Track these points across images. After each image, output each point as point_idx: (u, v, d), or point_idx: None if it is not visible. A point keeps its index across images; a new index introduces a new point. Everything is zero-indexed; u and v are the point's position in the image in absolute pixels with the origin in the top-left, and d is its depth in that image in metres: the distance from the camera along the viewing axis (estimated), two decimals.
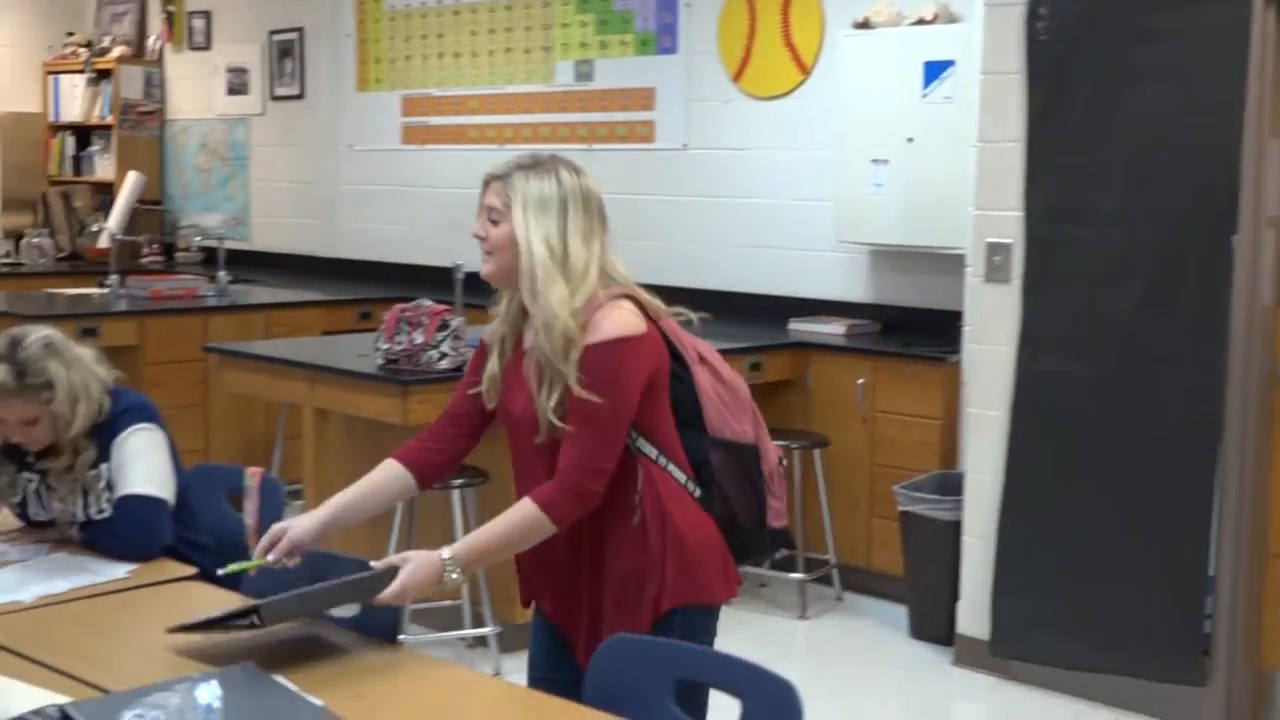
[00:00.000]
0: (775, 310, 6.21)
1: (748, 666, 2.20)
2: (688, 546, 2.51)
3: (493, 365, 2.64)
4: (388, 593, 2.37)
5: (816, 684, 4.49)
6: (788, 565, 5.49)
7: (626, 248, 6.88)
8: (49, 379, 2.98)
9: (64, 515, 3.12)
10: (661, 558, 2.49)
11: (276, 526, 2.62)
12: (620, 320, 2.51)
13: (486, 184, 2.61)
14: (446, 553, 2.42)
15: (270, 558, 2.57)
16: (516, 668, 4.48)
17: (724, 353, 5.86)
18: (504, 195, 2.56)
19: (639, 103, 6.82)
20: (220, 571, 2.66)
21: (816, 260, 6.22)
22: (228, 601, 2.72)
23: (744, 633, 5.11)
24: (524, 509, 2.45)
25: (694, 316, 2.76)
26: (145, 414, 3.16)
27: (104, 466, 3.10)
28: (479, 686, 2.36)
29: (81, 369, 3.07)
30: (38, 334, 3.05)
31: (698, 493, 2.57)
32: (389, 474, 2.70)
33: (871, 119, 5.73)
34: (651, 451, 2.53)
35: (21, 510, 3.18)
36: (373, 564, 2.45)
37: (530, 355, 2.52)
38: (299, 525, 2.61)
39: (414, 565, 2.40)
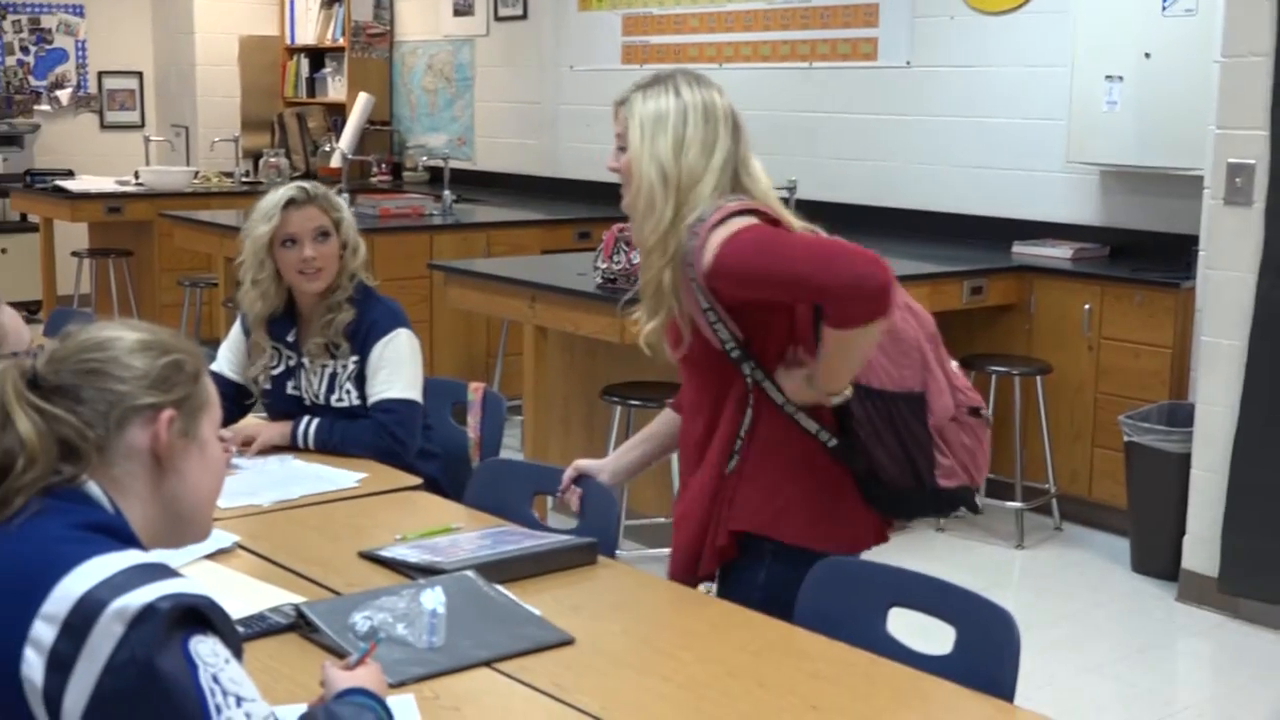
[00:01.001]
0: (999, 232, 6.05)
1: (964, 594, 2.17)
2: (789, 486, 2.45)
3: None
4: None
5: (1032, 615, 4.41)
6: (1005, 493, 5.39)
7: (845, 168, 6.83)
8: (338, 202, 3.30)
9: (309, 394, 3.28)
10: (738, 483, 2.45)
11: (580, 463, 2.72)
12: (726, 230, 2.36)
13: (614, 111, 2.52)
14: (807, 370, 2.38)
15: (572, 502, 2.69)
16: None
17: (943, 276, 5.79)
18: (623, 120, 2.49)
19: (861, 19, 6.68)
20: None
21: (1043, 181, 6.03)
22: (451, 513, 2.81)
23: (958, 560, 5.06)
24: (829, 333, 2.32)
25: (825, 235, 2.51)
26: (403, 320, 3.33)
27: (353, 360, 3.23)
28: (691, 601, 2.39)
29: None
30: (312, 183, 3.34)
31: (833, 442, 2.44)
32: (667, 421, 2.74)
33: (1107, 34, 5.51)
34: (778, 398, 2.43)
35: (273, 390, 3.33)
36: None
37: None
38: (596, 467, 2.71)
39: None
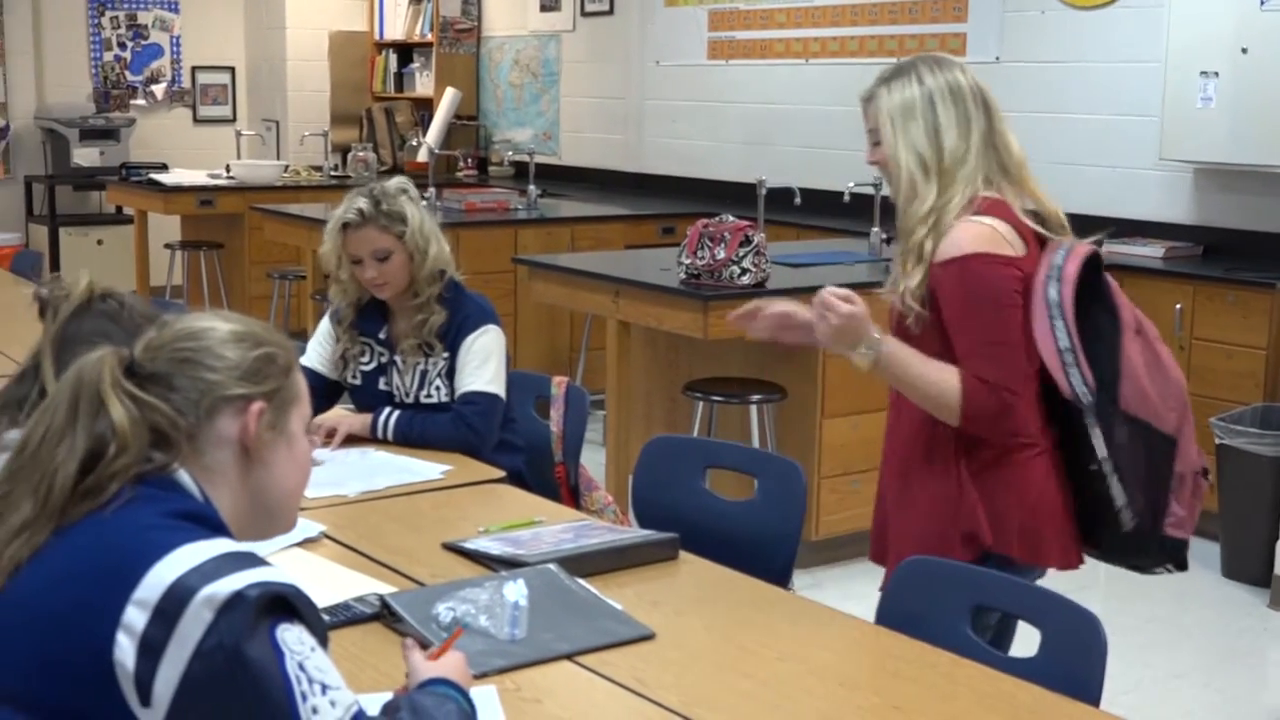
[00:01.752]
0: (1088, 230, 5.88)
1: (1049, 596, 2.15)
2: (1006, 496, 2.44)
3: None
4: None
5: (1119, 619, 4.35)
6: None
7: None
8: (402, 212, 3.23)
9: (400, 391, 3.30)
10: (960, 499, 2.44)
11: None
12: (981, 235, 2.40)
13: (864, 109, 2.56)
14: (879, 339, 2.39)
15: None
16: (810, 584, 4.52)
17: None
18: (872, 115, 2.52)
19: (950, 14, 6.62)
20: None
21: (1135, 179, 5.94)
22: (533, 507, 2.83)
23: None
24: (949, 375, 2.38)
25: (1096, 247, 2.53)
26: (493, 316, 3.34)
27: (444, 357, 3.26)
28: (773, 598, 2.38)
29: (431, 221, 3.31)
30: (395, 181, 3.33)
31: (1039, 446, 2.44)
32: None
33: (1202, 28, 5.40)
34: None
35: (364, 385, 3.36)
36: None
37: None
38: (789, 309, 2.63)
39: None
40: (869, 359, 2.38)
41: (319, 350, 3.41)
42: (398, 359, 3.31)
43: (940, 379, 2.38)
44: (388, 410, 3.25)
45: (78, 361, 1.55)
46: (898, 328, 2.49)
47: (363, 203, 3.23)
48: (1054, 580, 2.42)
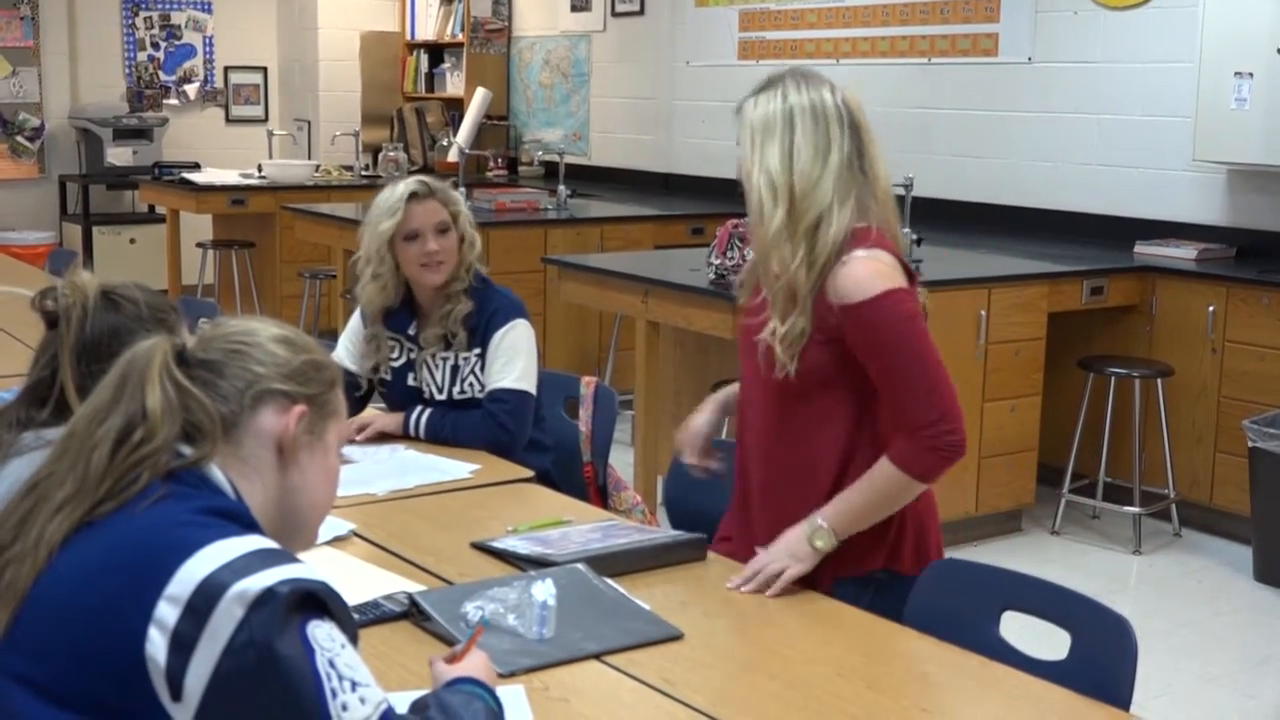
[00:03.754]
0: (1120, 232, 5.94)
1: (1079, 599, 2.14)
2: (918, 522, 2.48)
3: (741, 299, 2.59)
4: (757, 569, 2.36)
5: (1149, 622, 4.33)
6: (1124, 498, 5.29)
7: (963, 166, 6.74)
8: (455, 195, 3.32)
9: (430, 386, 3.31)
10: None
11: (697, 428, 2.69)
12: (881, 271, 2.35)
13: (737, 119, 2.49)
14: (820, 520, 2.37)
15: (695, 463, 2.66)
16: None
17: (1062, 275, 5.72)
18: (738, 128, 2.45)
19: (982, 14, 6.59)
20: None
21: (1168, 180, 5.90)
22: (562, 506, 2.83)
23: (1073, 564, 4.97)
24: (886, 468, 2.36)
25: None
26: (521, 310, 3.34)
27: (475, 353, 3.27)
28: (801, 600, 2.37)
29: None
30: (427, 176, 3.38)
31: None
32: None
33: (1236, 28, 5.37)
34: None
35: (393, 382, 3.37)
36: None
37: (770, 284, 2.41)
38: (699, 423, 2.68)
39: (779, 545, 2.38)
40: (827, 538, 2.36)
41: (348, 346, 3.41)
42: (426, 355, 3.32)
43: (883, 477, 2.36)
44: (420, 408, 3.25)
45: (133, 347, 1.58)
46: (768, 375, 2.41)
47: (421, 178, 3.29)
48: (1085, 581, 2.41)
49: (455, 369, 3.29)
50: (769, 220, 2.36)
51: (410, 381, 3.33)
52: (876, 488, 2.36)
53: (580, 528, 2.60)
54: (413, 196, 3.23)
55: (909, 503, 2.41)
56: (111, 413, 1.53)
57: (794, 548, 2.36)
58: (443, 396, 3.29)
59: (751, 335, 2.47)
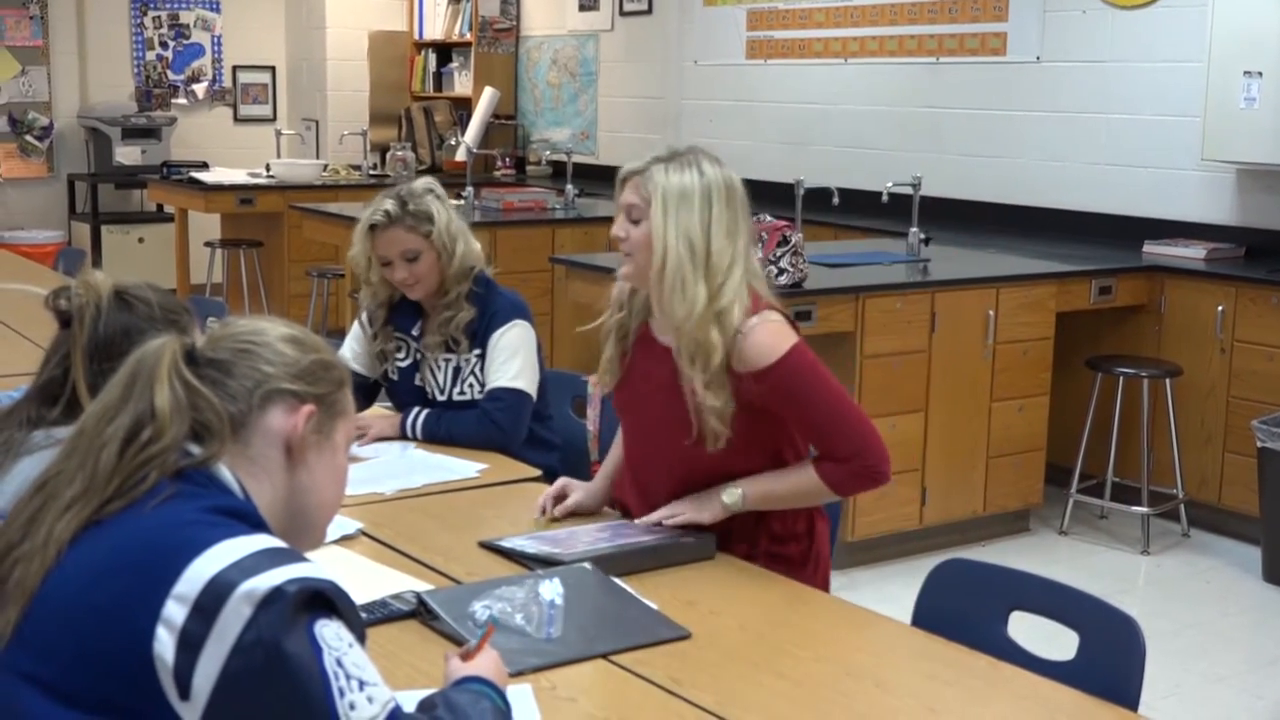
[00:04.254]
0: (1129, 232, 5.93)
1: (1087, 599, 2.14)
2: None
3: (610, 351, 2.65)
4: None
5: (1157, 623, 4.32)
6: (1132, 498, 5.28)
7: (972, 165, 6.73)
8: (429, 212, 3.25)
9: (433, 387, 3.31)
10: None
11: (560, 484, 2.74)
12: (779, 331, 2.48)
13: (624, 181, 2.56)
14: (736, 486, 2.51)
15: (556, 513, 2.69)
16: (845, 585, 4.50)
17: (1071, 275, 5.71)
18: (643, 191, 2.51)
19: (991, 13, 6.59)
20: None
21: (1177, 179, 5.89)
22: None
23: (1081, 564, 4.97)
24: (809, 474, 2.51)
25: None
26: (522, 311, 3.33)
27: (475, 354, 3.27)
28: (808, 599, 2.38)
29: (459, 220, 3.32)
30: (422, 181, 3.36)
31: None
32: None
33: (1245, 28, 5.36)
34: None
35: (400, 382, 3.37)
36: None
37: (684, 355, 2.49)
38: (581, 491, 2.73)
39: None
40: (736, 500, 2.50)
41: (354, 347, 3.42)
42: (430, 358, 3.32)
43: (804, 480, 2.50)
44: (416, 410, 3.26)
45: (142, 346, 1.58)
46: (676, 441, 2.51)
47: (389, 204, 3.24)
48: (1093, 582, 2.41)
49: (457, 370, 3.30)
50: (694, 295, 2.43)
51: (416, 382, 3.34)
52: (797, 485, 2.51)
53: (588, 526, 2.60)
54: (373, 228, 3.23)
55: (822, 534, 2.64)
56: (120, 411, 1.53)
57: (703, 498, 2.53)
58: (444, 398, 3.30)
59: (639, 399, 2.60)
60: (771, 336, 2.45)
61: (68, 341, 1.98)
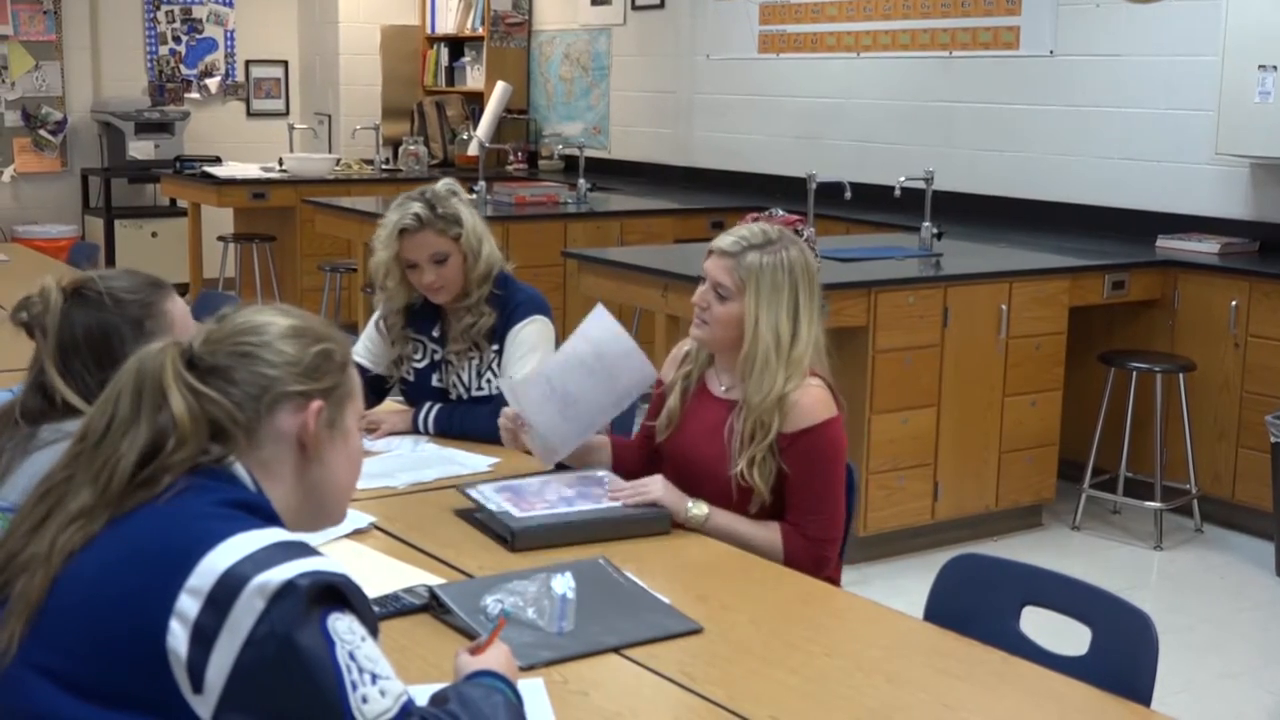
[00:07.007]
0: (1142, 226, 5.91)
1: (1100, 594, 2.13)
2: None
3: (673, 403, 2.80)
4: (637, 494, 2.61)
5: (1171, 618, 4.31)
6: (1145, 493, 5.27)
7: (984, 159, 6.72)
8: (457, 214, 3.24)
9: (456, 387, 3.31)
10: None
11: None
12: (823, 399, 2.64)
13: (716, 255, 2.68)
14: (708, 508, 2.62)
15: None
16: (857, 579, 4.50)
17: (1084, 269, 5.70)
18: (735, 276, 2.64)
19: (1004, 7, 6.57)
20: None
21: (1191, 174, 5.88)
22: None
23: (1094, 560, 4.96)
24: (774, 534, 2.63)
25: None
26: (541, 307, 3.33)
27: (493, 350, 3.28)
28: (821, 594, 2.38)
29: (482, 222, 3.32)
30: (444, 183, 3.34)
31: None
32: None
33: (1260, 22, 5.34)
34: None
35: (417, 382, 3.37)
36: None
37: (743, 415, 2.65)
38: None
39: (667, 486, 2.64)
40: (699, 520, 2.60)
41: (368, 345, 3.42)
42: (452, 359, 3.32)
43: (766, 537, 2.62)
44: (428, 405, 3.26)
45: (137, 354, 1.57)
46: (720, 490, 2.65)
47: (418, 207, 3.21)
48: (1106, 577, 2.40)
49: (478, 367, 3.30)
50: (774, 377, 2.61)
51: (435, 382, 3.34)
52: (756, 535, 2.62)
53: (567, 476, 2.77)
54: (403, 232, 3.21)
55: None
56: (134, 424, 1.52)
57: (674, 497, 2.62)
58: (465, 396, 3.30)
59: (688, 441, 2.76)
60: (816, 403, 2.62)
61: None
